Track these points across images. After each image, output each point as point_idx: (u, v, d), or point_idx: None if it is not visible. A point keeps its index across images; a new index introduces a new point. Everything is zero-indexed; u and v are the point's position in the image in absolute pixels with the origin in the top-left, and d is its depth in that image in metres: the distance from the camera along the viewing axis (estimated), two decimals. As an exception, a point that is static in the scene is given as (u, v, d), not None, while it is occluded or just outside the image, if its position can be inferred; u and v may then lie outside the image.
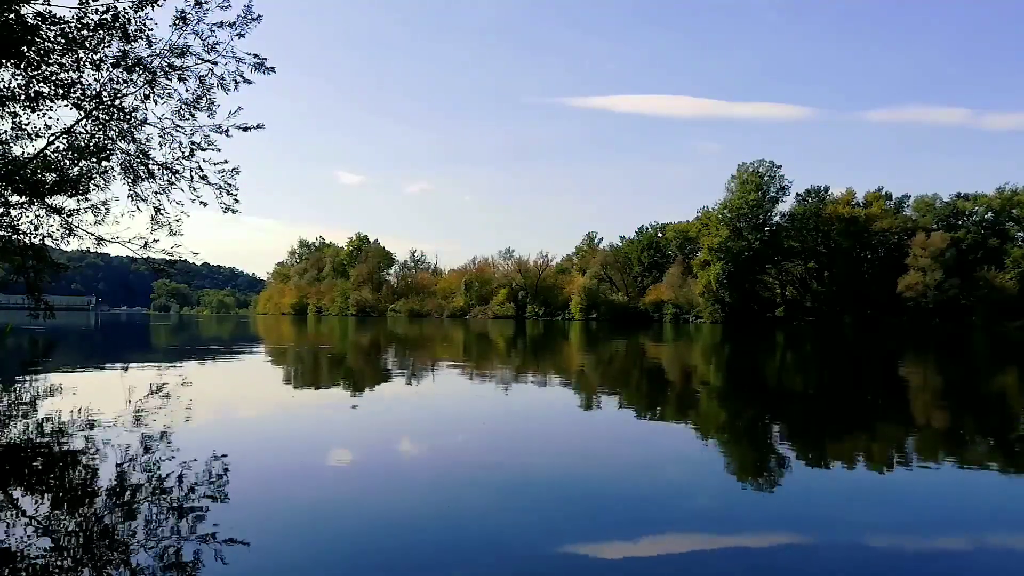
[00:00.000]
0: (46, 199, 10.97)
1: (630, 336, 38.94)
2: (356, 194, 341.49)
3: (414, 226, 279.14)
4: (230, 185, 11.47)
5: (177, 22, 10.41)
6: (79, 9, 9.71)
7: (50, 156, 10.70)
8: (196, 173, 11.27)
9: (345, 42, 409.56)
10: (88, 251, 11.89)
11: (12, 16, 9.37)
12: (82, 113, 10.60)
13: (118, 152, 11.13)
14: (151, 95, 10.82)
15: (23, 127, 10.44)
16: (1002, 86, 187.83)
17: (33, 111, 10.27)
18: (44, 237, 11.34)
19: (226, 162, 11.44)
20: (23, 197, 10.79)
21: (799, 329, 58.06)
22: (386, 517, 4.57)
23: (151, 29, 10.25)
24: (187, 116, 11.05)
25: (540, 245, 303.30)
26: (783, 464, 6.38)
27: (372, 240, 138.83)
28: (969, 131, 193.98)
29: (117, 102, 10.72)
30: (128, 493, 4.90)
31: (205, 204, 11.51)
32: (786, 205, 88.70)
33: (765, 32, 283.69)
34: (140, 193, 11.43)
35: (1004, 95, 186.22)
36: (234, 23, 10.52)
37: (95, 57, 10.14)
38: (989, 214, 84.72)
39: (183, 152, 11.19)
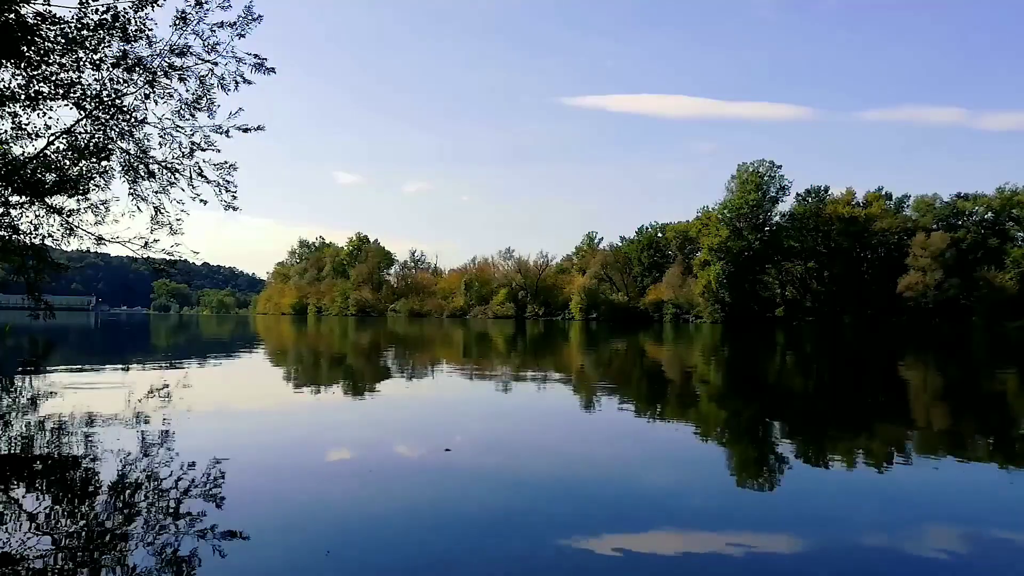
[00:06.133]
0: (46, 199, 10.96)
1: (630, 336, 38.93)
2: (354, 194, 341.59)
3: (414, 226, 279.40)
4: (228, 182, 11.48)
5: (177, 22, 10.40)
6: (79, 9, 9.70)
7: (50, 156, 10.69)
8: (195, 171, 11.29)
9: (344, 42, 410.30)
10: (88, 251, 11.88)
11: (12, 16, 9.36)
12: (82, 113, 10.59)
13: (118, 152, 11.13)
14: (151, 95, 10.81)
15: (23, 127, 10.43)
16: (999, 85, 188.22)
17: (33, 111, 10.26)
18: (44, 237, 11.34)
19: (225, 161, 11.47)
20: (23, 197, 10.78)
21: (799, 329, 58.04)
22: (385, 516, 4.57)
23: (151, 29, 10.24)
24: (187, 116, 11.05)
25: (540, 245, 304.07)
26: (783, 463, 6.38)
27: (372, 240, 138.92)
28: (967, 131, 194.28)
29: (117, 102, 10.71)
30: (128, 493, 4.90)
31: (205, 202, 11.53)
32: (786, 205, 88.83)
33: (762, 32, 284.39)
34: (140, 192, 11.42)
35: (1001, 95, 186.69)
36: (234, 23, 10.52)
37: (95, 57, 10.13)
38: (989, 214, 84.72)
39: (183, 152, 11.20)
